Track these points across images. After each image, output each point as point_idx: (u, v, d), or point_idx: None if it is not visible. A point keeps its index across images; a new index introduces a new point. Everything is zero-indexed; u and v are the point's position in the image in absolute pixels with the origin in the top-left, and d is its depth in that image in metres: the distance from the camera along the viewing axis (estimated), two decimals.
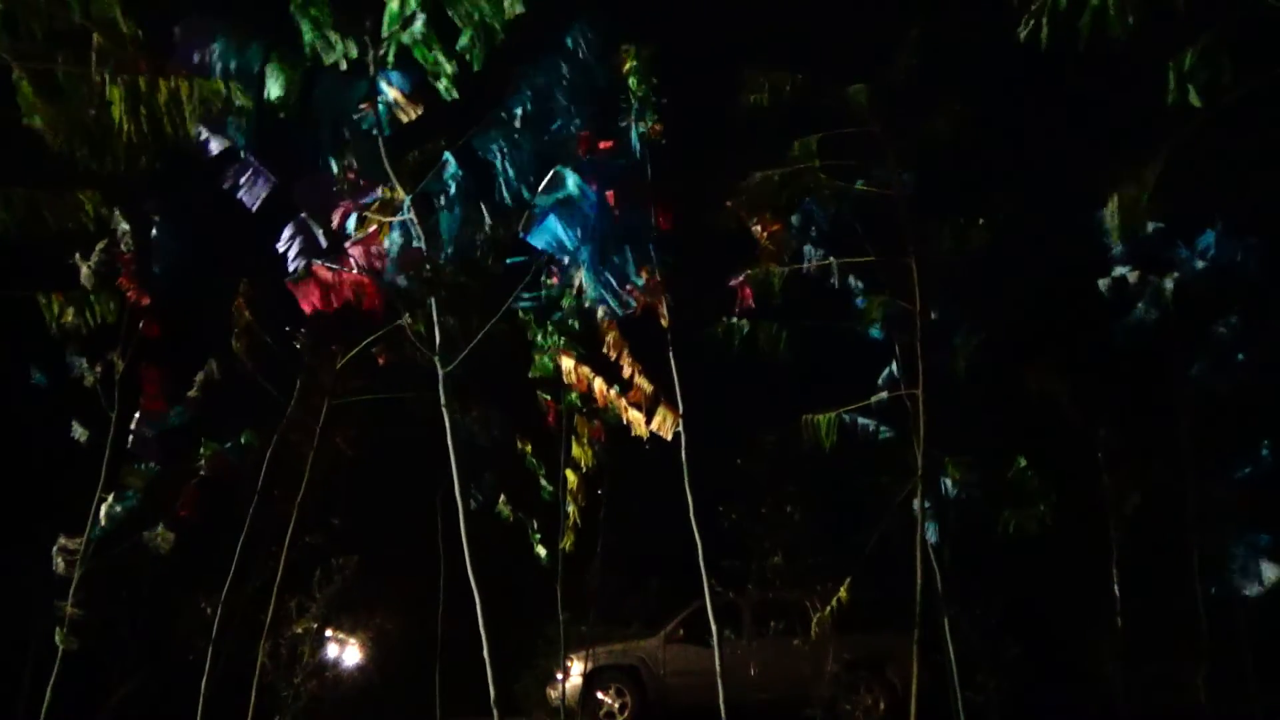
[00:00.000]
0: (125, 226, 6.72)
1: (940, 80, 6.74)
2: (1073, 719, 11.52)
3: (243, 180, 4.77)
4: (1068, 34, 3.72)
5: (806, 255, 7.27)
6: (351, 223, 5.43)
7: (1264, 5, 3.70)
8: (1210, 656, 8.71)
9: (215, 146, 4.62)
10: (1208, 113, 3.81)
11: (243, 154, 4.78)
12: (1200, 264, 6.17)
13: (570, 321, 7.49)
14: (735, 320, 6.98)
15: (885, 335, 7.19)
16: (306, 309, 5.97)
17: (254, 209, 4.85)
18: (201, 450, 8.06)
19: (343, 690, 13.85)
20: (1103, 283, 6.37)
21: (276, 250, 5.16)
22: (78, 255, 6.66)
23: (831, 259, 7.22)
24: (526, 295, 6.75)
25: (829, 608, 6.71)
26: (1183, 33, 3.69)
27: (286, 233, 5.07)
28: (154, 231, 6.74)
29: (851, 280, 7.24)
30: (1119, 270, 6.55)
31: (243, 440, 8.12)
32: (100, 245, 6.66)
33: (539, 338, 7.87)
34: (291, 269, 5.23)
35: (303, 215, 5.10)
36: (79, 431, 7.35)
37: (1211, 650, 8.72)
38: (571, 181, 4.58)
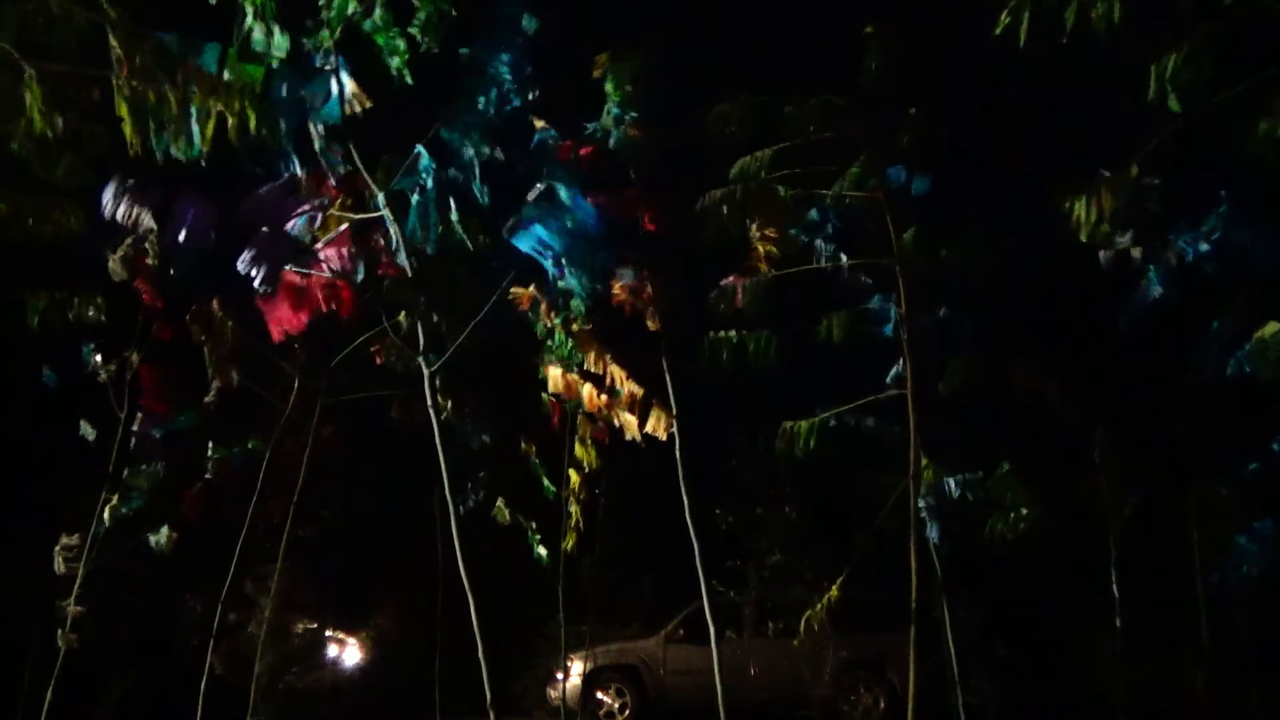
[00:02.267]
0: (153, 225, 6.69)
1: (917, 81, 6.67)
2: (1072, 719, 11.51)
3: (120, 203, 4.71)
4: (1050, 30, 3.70)
5: (818, 249, 7.20)
6: (301, 222, 5.39)
7: (1257, 7, 3.69)
8: (1210, 656, 8.69)
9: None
10: (1186, 118, 3.81)
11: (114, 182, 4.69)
12: (1205, 246, 5.89)
13: (575, 324, 7.47)
14: (723, 333, 6.88)
15: (869, 337, 7.12)
16: (276, 335, 5.93)
17: (143, 230, 4.78)
18: (210, 455, 8.08)
19: (324, 687, 13.88)
20: (1104, 255, 6.04)
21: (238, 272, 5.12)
22: (108, 250, 6.62)
23: (844, 257, 7.14)
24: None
25: (821, 605, 6.68)
26: (1170, 33, 3.68)
27: (247, 254, 5.02)
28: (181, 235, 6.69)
29: (859, 278, 7.19)
30: (1121, 241, 6.15)
31: (249, 446, 8.13)
32: (129, 240, 6.62)
33: (549, 342, 7.84)
34: (260, 288, 5.19)
35: (262, 230, 5.07)
36: (87, 430, 7.34)
37: (1211, 650, 8.70)
38: (564, 193, 4.57)
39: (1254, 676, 8.81)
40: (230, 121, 4.25)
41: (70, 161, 4.40)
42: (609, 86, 6.31)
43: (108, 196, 4.73)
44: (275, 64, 4.19)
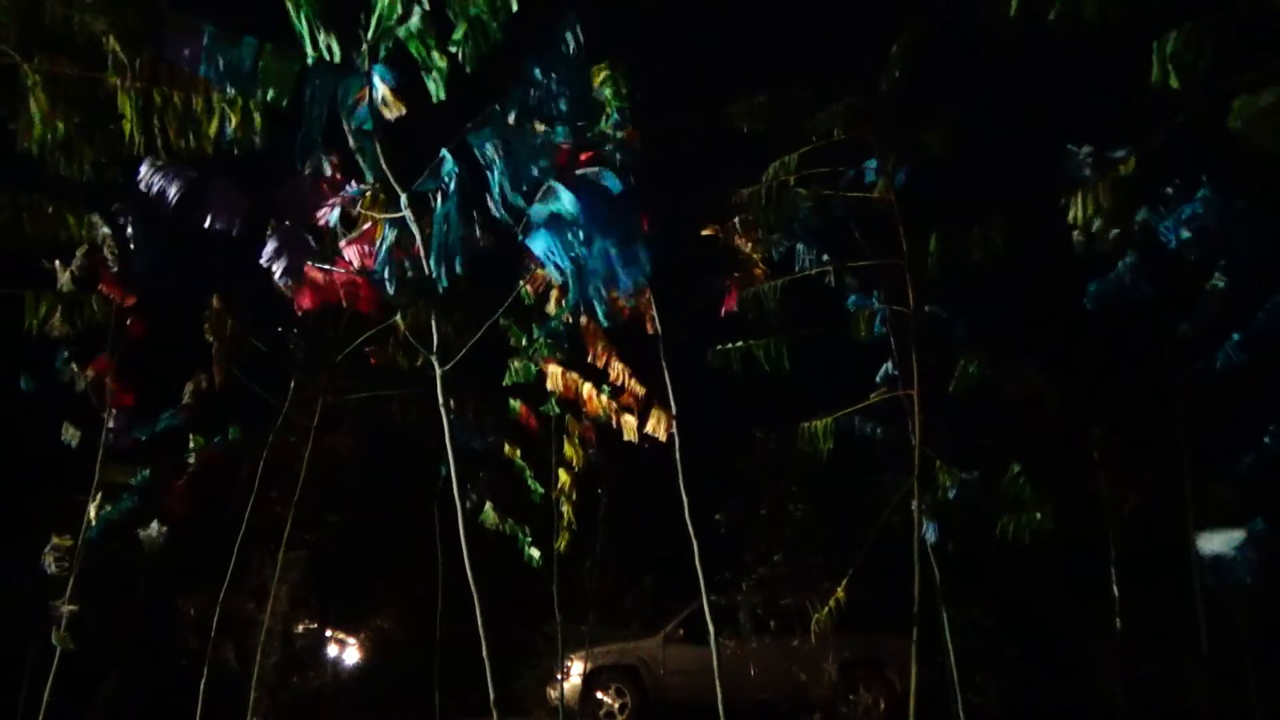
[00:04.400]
0: (106, 230, 6.66)
1: (933, 83, 6.67)
2: (1072, 719, 11.52)
3: (157, 180, 4.70)
4: (1040, 9, 3.70)
5: (799, 255, 7.21)
6: (334, 215, 5.41)
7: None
8: (1209, 656, 8.68)
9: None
10: (1187, 111, 3.79)
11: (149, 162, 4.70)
12: (1186, 234, 5.74)
13: (555, 324, 7.48)
14: (734, 344, 6.90)
15: (883, 334, 7.13)
16: (304, 305, 5.95)
17: (171, 205, 4.79)
18: (190, 445, 8.08)
19: (332, 684, 13.86)
20: (1076, 236, 5.90)
21: (260, 264, 5.13)
22: (57, 262, 6.59)
23: (826, 256, 7.14)
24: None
25: (826, 608, 6.68)
26: (1167, 18, 3.66)
27: (270, 246, 5.03)
28: (128, 230, 6.66)
29: (848, 280, 7.19)
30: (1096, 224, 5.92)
31: (230, 436, 8.13)
32: (81, 250, 6.60)
33: (523, 342, 7.85)
34: (280, 281, 5.21)
35: (286, 223, 5.08)
36: (70, 434, 7.32)
37: (1210, 650, 8.70)
38: (566, 199, 4.58)
39: (1252, 677, 8.81)
40: (233, 121, 4.26)
41: (93, 157, 4.42)
42: (607, 92, 6.32)
43: (145, 170, 4.72)
44: (307, 65, 4.20)
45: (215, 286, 7.86)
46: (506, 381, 8.10)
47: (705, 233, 6.94)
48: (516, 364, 7.97)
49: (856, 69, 6.69)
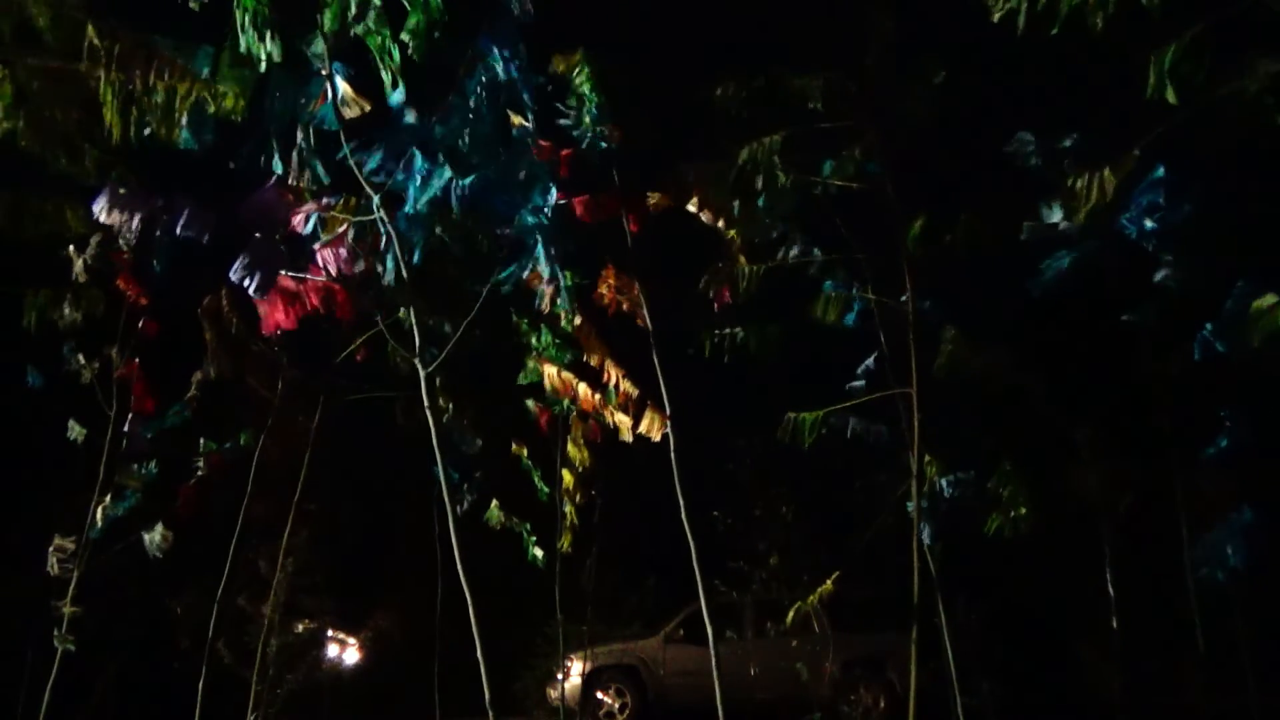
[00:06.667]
0: (135, 230, 6.66)
1: (917, 70, 6.56)
2: (1071, 719, 11.52)
3: (119, 210, 4.76)
4: (1046, 18, 3.73)
5: (790, 244, 7.11)
6: (310, 225, 5.44)
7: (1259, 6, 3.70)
8: (1206, 655, 8.68)
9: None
10: (1183, 112, 3.80)
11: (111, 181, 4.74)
12: (1150, 224, 5.60)
13: (564, 323, 7.47)
14: (726, 329, 6.83)
15: (860, 326, 7.01)
16: (266, 330, 5.99)
17: (133, 235, 4.85)
18: (200, 449, 8.08)
19: (332, 684, 13.85)
20: (1027, 228, 5.70)
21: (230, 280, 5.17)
22: (71, 248, 6.60)
23: (818, 251, 7.07)
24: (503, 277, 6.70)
25: (812, 599, 6.64)
26: (1161, 26, 3.69)
27: (240, 262, 5.07)
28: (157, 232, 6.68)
29: (839, 276, 7.11)
30: (1047, 214, 5.40)
31: (241, 441, 8.14)
32: (95, 239, 6.61)
33: (533, 340, 7.85)
34: (254, 293, 5.23)
35: (256, 236, 5.12)
36: (75, 431, 7.33)
37: (1207, 648, 8.69)
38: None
39: (1251, 675, 8.80)
40: (211, 108, 4.27)
41: (95, 155, 4.44)
42: (585, 88, 6.25)
43: (101, 203, 4.77)
44: (266, 69, 4.22)
45: (219, 285, 7.85)
46: (521, 380, 8.09)
47: (652, 201, 6.80)
48: (531, 363, 7.99)
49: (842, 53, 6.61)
